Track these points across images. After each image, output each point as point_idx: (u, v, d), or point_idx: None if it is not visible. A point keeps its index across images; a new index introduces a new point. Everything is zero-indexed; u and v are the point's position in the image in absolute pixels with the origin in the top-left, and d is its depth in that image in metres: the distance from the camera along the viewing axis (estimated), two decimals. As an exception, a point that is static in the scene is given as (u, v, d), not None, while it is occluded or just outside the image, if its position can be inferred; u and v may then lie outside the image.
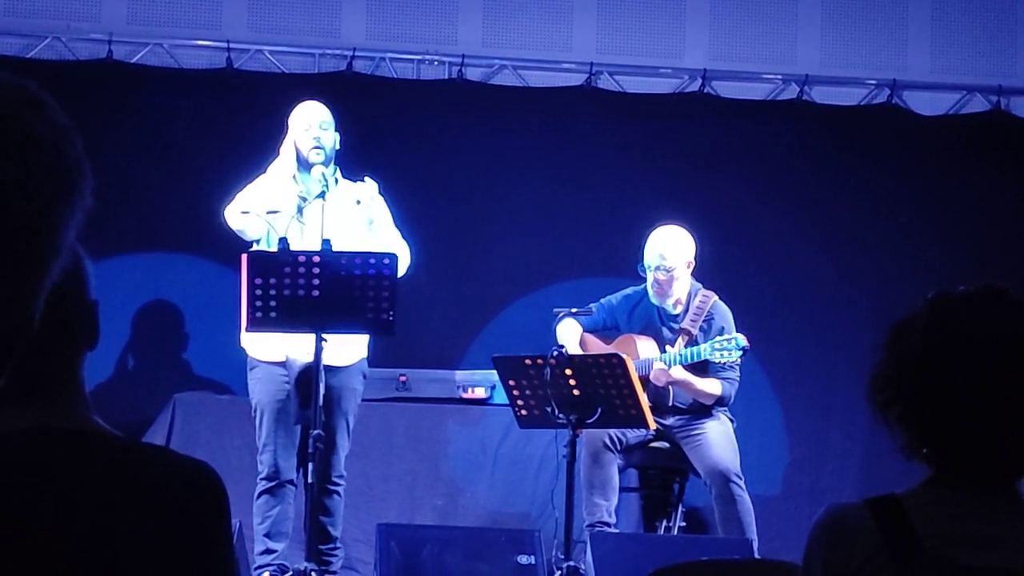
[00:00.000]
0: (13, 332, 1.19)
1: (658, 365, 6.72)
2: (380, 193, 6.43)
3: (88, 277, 1.90)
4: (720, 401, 6.80)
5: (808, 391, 8.38)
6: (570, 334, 6.93)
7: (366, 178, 6.46)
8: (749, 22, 8.76)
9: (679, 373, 6.71)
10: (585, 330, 6.99)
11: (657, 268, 6.83)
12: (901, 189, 8.59)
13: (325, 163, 6.36)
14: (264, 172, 6.50)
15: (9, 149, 1.17)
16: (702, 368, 6.76)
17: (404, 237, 6.54)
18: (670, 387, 6.77)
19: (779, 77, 8.79)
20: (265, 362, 6.35)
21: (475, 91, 8.57)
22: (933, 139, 8.68)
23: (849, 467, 8.16)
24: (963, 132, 8.70)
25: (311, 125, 6.42)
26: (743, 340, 6.61)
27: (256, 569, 6.29)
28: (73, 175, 1.22)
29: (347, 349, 6.35)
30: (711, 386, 6.76)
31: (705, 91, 8.68)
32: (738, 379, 6.83)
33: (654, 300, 6.89)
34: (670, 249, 6.83)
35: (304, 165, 6.39)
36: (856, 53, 8.79)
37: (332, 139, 6.43)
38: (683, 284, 6.88)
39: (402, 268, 6.26)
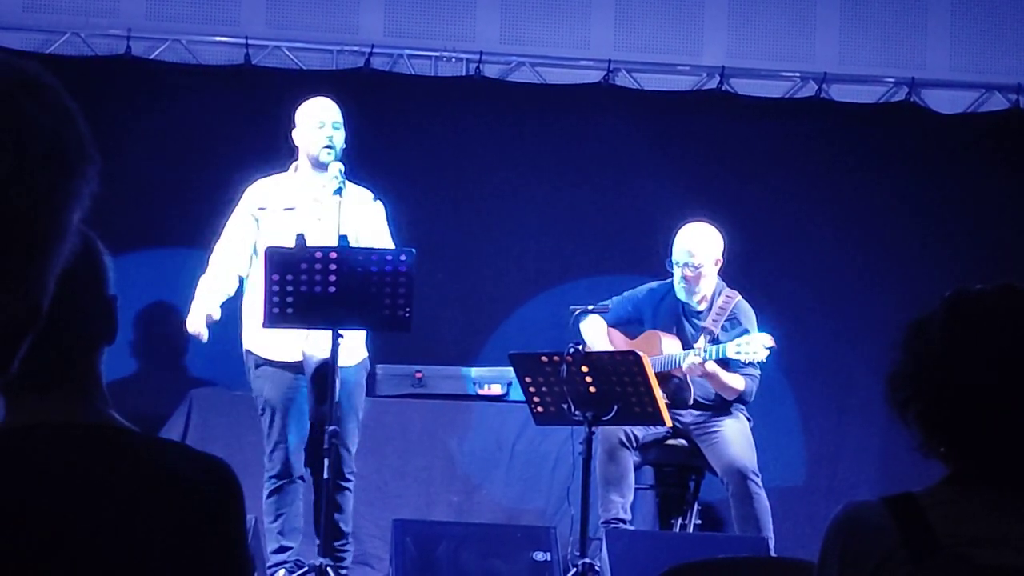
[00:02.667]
0: (21, 318, 1.18)
1: (693, 358, 6.68)
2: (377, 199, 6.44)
3: (107, 272, 1.90)
4: (741, 398, 6.80)
5: (826, 389, 8.36)
6: (596, 330, 6.92)
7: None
8: (767, 19, 8.74)
9: (712, 366, 6.71)
10: (608, 325, 6.99)
11: (685, 264, 6.82)
12: (919, 187, 8.56)
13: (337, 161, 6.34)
14: (284, 170, 6.48)
15: (3, 139, 1.14)
16: (723, 366, 6.76)
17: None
18: (689, 378, 6.76)
19: (797, 75, 8.77)
20: (277, 361, 6.34)
21: (492, 88, 8.57)
22: (952, 137, 8.65)
23: (866, 465, 8.14)
24: (982, 130, 8.67)
25: (324, 123, 6.39)
26: (770, 340, 6.59)
27: (271, 567, 6.30)
28: (72, 158, 1.18)
29: (351, 349, 6.35)
30: (735, 380, 6.76)
31: (723, 88, 8.66)
32: (759, 376, 6.82)
33: (680, 295, 6.88)
34: (699, 246, 6.82)
35: (316, 164, 6.38)
36: (874, 51, 8.76)
37: (342, 138, 6.41)
38: (710, 281, 6.87)
39: None
